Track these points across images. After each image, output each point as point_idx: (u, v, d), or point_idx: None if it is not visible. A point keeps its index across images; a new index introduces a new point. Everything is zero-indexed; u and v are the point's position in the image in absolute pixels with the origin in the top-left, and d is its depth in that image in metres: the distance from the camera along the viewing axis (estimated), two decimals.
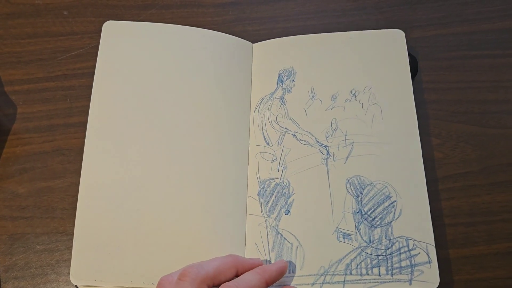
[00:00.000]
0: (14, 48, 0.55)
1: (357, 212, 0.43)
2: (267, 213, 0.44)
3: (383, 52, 0.49)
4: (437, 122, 0.50)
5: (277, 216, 0.44)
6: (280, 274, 0.40)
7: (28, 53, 0.55)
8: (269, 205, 0.44)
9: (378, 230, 0.42)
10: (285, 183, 0.45)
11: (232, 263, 0.39)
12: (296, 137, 0.47)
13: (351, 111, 0.47)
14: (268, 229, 0.43)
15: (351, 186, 0.44)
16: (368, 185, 0.44)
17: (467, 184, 0.47)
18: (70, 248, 0.46)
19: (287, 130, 0.47)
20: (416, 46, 0.53)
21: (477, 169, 0.47)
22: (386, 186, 0.44)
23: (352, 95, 0.47)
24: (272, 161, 0.46)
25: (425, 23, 0.54)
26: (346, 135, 0.46)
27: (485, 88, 0.51)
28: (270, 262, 0.42)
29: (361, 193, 0.44)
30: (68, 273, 0.45)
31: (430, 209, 0.43)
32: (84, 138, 0.49)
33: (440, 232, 0.45)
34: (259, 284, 0.38)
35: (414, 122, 0.46)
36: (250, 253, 0.43)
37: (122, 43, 0.49)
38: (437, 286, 0.40)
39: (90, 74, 0.53)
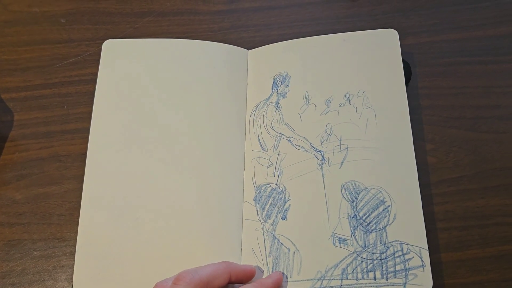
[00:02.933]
0: (11, 55, 0.55)
1: (353, 217, 0.43)
2: (264, 218, 0.44)
3: (376, 53, 0.49)
4: (431, 128, 0.50)
5: (273, 221, 0.44)
6: (276, 285, 0.41)
7: (25, 60, 0.55)
8: (266, 210, 0.45)
9: (373, 234, 0.42)
10: (281, 189, 0.45)
11: (225, 269, 0.40)
12: (291, 142, 0.47)
13: (345, 115, 0.47)
14: (265, 234, 0.44)
15: (346, 192, 0.44)
16: (363, 190, 0.44)
17: (460, 189, 0.47)
18: (67, 254, 0.46)
19: (282, 135, 0.47)
20: (410, 53, 0.53)
21: (471, 173, 0.48)
22: (380, 191, 0.44)
23: (346, 99, 0.47)
24: (268, 166, 0.46)
25: (419, 30, 0.55)
26: (340, 140, 0.46)
27: (478, 93, 0.51)
28: (268, 267, 0.42)
29: (356, 198, 0.44)
30: (65, 279, 0.45)
31: (425, 213, 0.43)
32: (81, 144, 0.50)
33: (434, 236, 0.45)
34: None
35: (407, 126, 0.46)
36: (246, 258, 0.43)
37: (121, 60, 0.51)
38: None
39: (87, 81, 0.54)
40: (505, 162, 0.48)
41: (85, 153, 0.47)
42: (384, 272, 0.41)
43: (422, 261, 0.41)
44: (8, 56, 0.55)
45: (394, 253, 0.42)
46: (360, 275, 0.41)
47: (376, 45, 0.49)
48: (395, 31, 0.50)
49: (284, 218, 0.44)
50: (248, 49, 0.52)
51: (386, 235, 0.42)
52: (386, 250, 0.42)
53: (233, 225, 0.44)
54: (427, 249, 0.41)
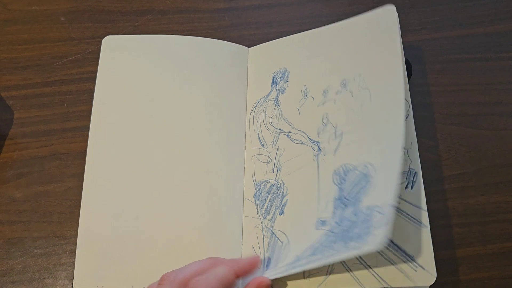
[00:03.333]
0: (11, 54, 0.55)
1: (338, 199, 0.41)
2: (263, 215, 0.44)
3: (374, 33, 0.46)
4: (431, 125, 0.50)
5: (272, 217, 0.44)
6: (251, 266, 0.40)
7: (25, 58, 0.55)
8: (265, 206, 0.45)
9: (350, 208, 0.39)
10: (279, 184, 0.45)
11: (211, 265, 0.39)
12: (289, 137, 0.47)
13: (341, 102, 0.45)
14: (264, 231, 0.44)
15: (337, 176, 0.42)
16: (351, 170, 0.42)
17: (461, 186, 0.47)
18: (67, 252, 0.46)
19: (281, 131, 0.47)
20: (410, 50, 0.53)
21: (471, 170, 0.48)
22: (366, 166, 0.41)
23: (342, 85, 0.46)
24: (267, 162, 0.46)
25: (419, 27, 0.55)
26: (336, 128, 0.44)
27: (478, 90, 0.51)
28: (265, 263, 0.42)
29: (345, 180, 0.42)
30: (66, 277, 0.45)
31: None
32: (81, 142, 0.50)
33: (435, 233, 0.45)
34: (227, 275, 0.37)
35: (400, 96, 0.41)
36: (246, 256, 0.43)
37: (121, 56, 0.50)
38: (434, 280, 0.38)
39: (87, 79, 0.54)
40: (506, 159, 0.48)
41: (85, 151, 0.47)
42: (348, 240, 0.37)
43: (387, 218, 0.35)
44: (8, 55, 0.55)
45: (363, 220, 0.38)
46: (327, 250, 0.38)
47: (373, 26, 0.46)
48: (393, 6, 0.46)
49: (281, 213, 0.44)
50: (248, 46, 0.52)
51: (361, 204, 0.39)
52: (358, 219, 0.38)
53: (233, 223, 0.44)
54: (394, 206, 0.36)
